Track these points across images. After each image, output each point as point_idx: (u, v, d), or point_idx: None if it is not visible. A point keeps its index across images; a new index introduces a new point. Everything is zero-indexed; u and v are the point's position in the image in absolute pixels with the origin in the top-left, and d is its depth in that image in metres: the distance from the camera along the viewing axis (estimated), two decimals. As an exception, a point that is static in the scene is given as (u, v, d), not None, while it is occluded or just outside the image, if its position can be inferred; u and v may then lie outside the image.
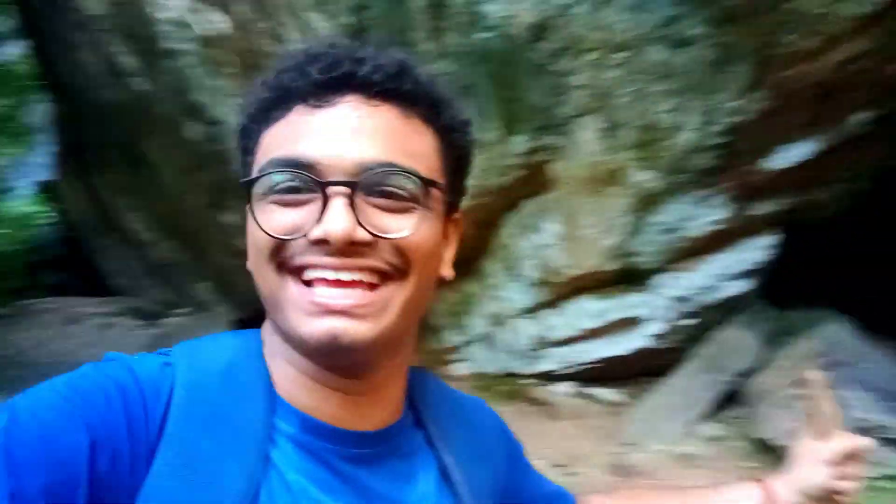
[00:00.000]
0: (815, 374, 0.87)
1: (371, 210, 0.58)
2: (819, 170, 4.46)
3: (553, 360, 4.88)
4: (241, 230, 0.63)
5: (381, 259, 0.58)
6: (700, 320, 4.67)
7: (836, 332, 4.50)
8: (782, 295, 4.84)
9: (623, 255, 4.61)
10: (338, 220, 0.55)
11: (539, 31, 4.10)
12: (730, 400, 4.56)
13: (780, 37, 3.97)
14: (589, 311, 4.74)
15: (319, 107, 0.59)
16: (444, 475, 0.68)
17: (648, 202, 4.50)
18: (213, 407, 0.57)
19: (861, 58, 3.92)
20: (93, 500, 0.50)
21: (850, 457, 0.86)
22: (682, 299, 4.63)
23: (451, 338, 5.39)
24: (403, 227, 0.58)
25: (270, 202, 0.59)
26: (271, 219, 0.58)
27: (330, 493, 0.59)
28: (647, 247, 4.59)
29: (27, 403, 0.52)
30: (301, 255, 0.58)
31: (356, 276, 0.57)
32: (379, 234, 0.57)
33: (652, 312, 4.66)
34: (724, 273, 4.66)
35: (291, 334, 0.59)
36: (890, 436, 3.66)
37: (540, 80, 4.30)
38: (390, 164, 0.58)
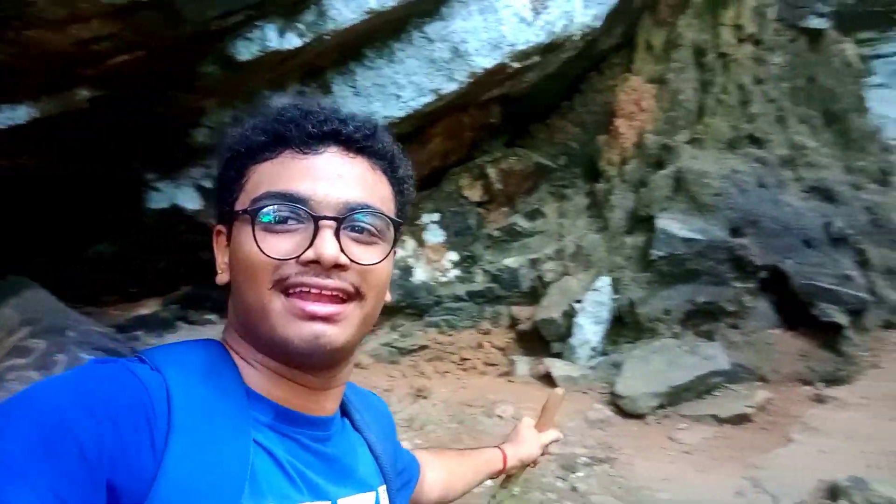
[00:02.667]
0: (560, 391, 1.43)
1: (348, 241, 0.71)
2: (32, 135, 4.34)
3: None
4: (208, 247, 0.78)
5: (349, 282, 0.71)
6: None
7: (36, 298, 4.52)
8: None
9: None
10: (328, 246, 0.69)
11: None
12: None
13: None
14: None
15: (308, 154, 0.72)
16: (371, 450, 0.85)
17: None
18: (204, 402, 0.66)
19: (100, 41, 4.08)
20: (120, 482, 0.59)
21: (551, 443, 1.38)
22: None
23: None
24: (372, 257, 0.73)
25: (262, 229, 0.70)
26: (269, 243, 0.69)
27: (308, 465, 0.73)
28: None
29: (57, 401, 0.59)
30: (296, 275, 0.69)
31: (335, 292, 0.70)
32: (356, 261, 0.71)
33: None
34: None
35: (276, 337, 0.70)
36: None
37: None
38: (367, 206, 0.72)
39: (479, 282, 5.87)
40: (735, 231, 5.38)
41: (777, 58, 6.60)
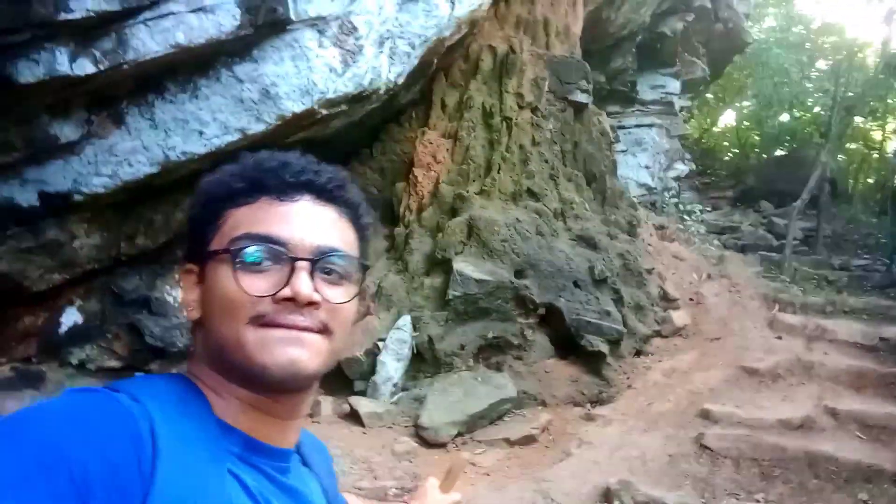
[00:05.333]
0: (466, 455, 1.53)
1: (320, 281, 0.78)
2: None
3: None
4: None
5: (318, 319, 0.77)
6: None
7: None
8: None
9: None
10: (303, 285, 0.75)
11: None
12: None
13: None
14: None
15: (284, 201, 0.79)
16: (321, 486, 0.91)
17: None
18: (182, 431, 0.70)
19: None
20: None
21: None
22: None
23: None
24: (342, 296, 0.80)
25: (241, 268, 0.76)
26: (247, 282, 0.75)
27: (274, 496, 0.77)
28: None
29: (50, 426, 0.62)
30: (274, 313, 0.75)
31: (306, 328, 0.76)
32: (327, 300, 0.78)
33: None
34: None
35: (253, 366, 0.75)
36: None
37: None
38: (337, 250, 0.80)
39: (283, 322, 5.81)
40: (518, 273, 6.03)
41: (550, 124, 7.60)
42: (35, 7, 4.03)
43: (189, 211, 0.85)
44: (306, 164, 0.83)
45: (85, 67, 4.40)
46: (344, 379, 5.43)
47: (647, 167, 12.57)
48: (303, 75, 5.35)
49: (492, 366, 5.61)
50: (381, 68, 5.81)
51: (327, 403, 5.15)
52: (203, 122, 5.21)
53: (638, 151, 12.77)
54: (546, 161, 7.28)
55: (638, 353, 6.14)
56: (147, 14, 4.49)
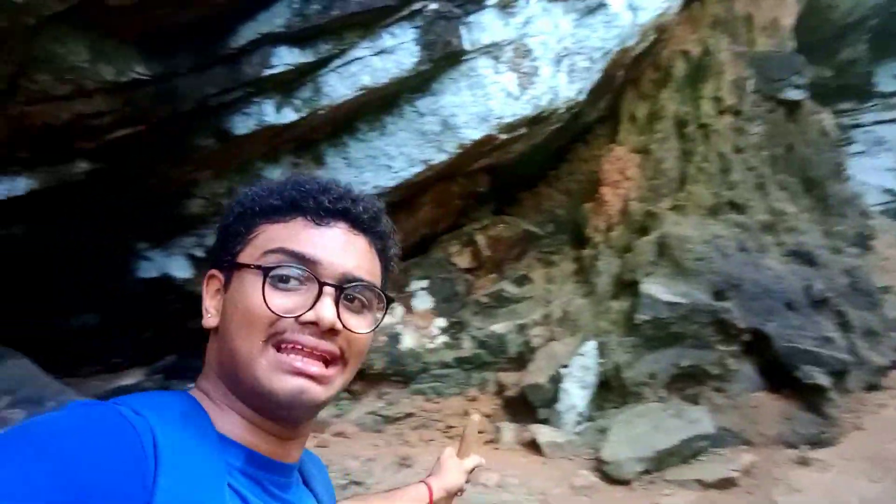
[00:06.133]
0: (476, 417, 1.48)
1: (343, 308, 0.78)
2: (30, 206, 4.49)
3: None
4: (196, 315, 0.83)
5: (337, 345, 0.77)
6: None
7: (20, 368, 4.57)
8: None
9: None
10: (328, 311, 0.75)
11: None
12: None
13: (33, 73, 3.89)
14: None
15: (319, 225, 0.80)
16: (318, 502, 0.90)
17: None
18: (182, 444, 0.69)
19: (101, 116, 4.30)
20: None
21: (474, 469, 1.41)
22: None
23: None
24: (363, 326, 0.80)
25: (268, 283, 0.75)
26: (273, 298, 0.75)
27: None
28: None
29: (57, 435, 0.62)
30: (291, 332, 0.75)
31: (324, 353, 0.76)
32: (348, 328, 0.78)
33: None
34: None
35: (260, 388, 0.75)
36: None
37: None
38: (363, 280, 0.80)
39: (467, 348, 5.93)
40: (718, 295, 5.49)
41: (756, 127, 6.87)
42: (244, 68, 4.62)
43: (222, 220, 0.85)
44: (344, 192, 0.83)
45: (288, 116, 4.94)
46: (528, 406, 5.35)
47: (892, 169, 10.79)
48: (480, 102, 5.46)
49: (687, 398, 5.14)
50: (560, 87, 5.72)
51: (509, 430, 5.11)
52: (391, 157, 5.55)
53: (880, 152, 11.02)
54: (751, 169, 6.57)
55: (870, 388, 5.21)
56: (337, 62, 4.92)
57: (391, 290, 0.90)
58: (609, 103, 7.05)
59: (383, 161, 5.54)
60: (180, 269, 5.62)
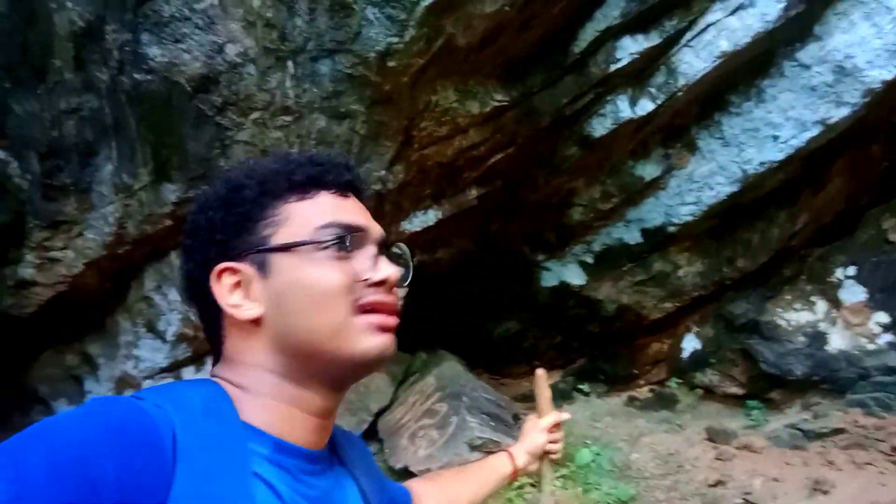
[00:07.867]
0: (540, 371, 1.29)
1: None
2: (440, 233, 5.33)
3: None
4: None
5: (398, 300, 0.83)
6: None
7: (451, 369, 5.38)
8: (407, 341, 5.58)
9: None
10: (391, 268, 0.81)
11: (206, 82, 3.97)
12: (367, 435, 5.05)
13: (419, 122, 4.67)
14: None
15: (344, 196, 0.84)
16: (358, 485, 0.87)
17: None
18: (204, 436, 0.68)
19: (477, 146, 4.88)
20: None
21: (557, 426, 1.34)
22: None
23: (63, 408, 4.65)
24: (404, 280, 0.86)
25: (325, 257, 0.77)
26: (343, 267, 0.78)
27: (305, 497, 0.75)
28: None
29: (77, 431, 0.61)
30: (367, 295, 0.78)
31: (397, 307, 0.82)
32: (402, 282, 0.85)
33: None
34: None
35: (355, 353, 0.77)
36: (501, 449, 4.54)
37: (202, 130, 4.14)
38: (390, 239, 0.88)
39: (922, 349, 4.54)
40: None
41: None
42: (591, 70, 4.65)
43: (221, 210, 0.81)
44: (347, 162, 0.88)
45: (645, 106, 4.75)
46: None
47: None
48: (888, 32, 4.27)
49: None
50: None
51: None
52: (775, 126, 4.79)
53: None
54: None
55: None
56: (687, 35, 4.53)
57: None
58: None
59: (766, 132, 4.81)
60: (575, 277, 5.88)
